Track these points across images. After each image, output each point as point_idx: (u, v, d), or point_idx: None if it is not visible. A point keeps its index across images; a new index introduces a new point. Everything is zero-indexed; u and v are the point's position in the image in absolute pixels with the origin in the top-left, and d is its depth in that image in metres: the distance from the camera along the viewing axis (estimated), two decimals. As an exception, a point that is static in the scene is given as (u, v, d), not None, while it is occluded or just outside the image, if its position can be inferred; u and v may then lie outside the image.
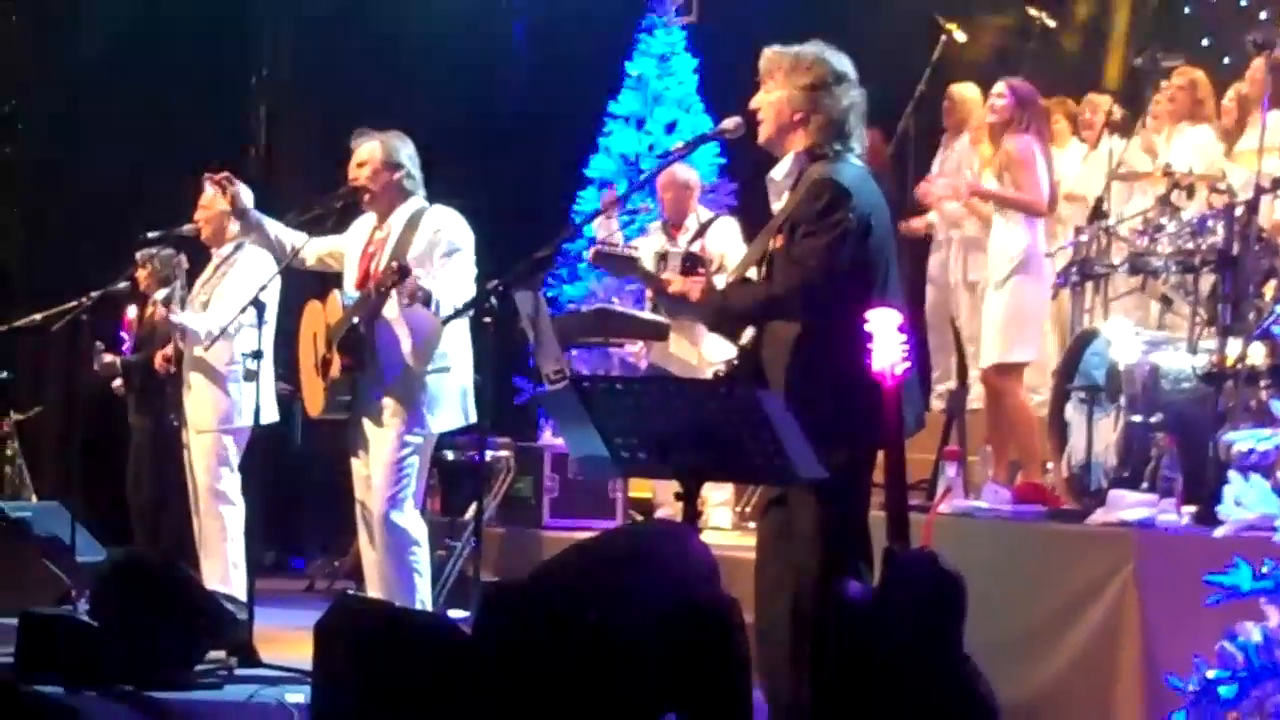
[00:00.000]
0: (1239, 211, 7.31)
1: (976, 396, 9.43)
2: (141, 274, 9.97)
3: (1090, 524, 6.75)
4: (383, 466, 7.54)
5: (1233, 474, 5.78)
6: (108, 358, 10.11)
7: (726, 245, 10.01)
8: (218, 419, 8.76)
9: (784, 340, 5.45)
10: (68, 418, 12.65)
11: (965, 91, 10.64)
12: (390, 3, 13.61)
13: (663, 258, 10.16)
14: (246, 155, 13.51)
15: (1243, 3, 11.29)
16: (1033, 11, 10.93)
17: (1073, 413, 7.76)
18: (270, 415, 8.50)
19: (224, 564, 8.64)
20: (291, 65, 13.96)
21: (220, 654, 7.63)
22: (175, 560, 8.81)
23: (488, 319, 6.42)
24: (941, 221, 10.69)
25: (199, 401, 8.83)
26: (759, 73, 5.70)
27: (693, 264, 9.87)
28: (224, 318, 8.48)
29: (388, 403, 7.53)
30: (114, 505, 10.53)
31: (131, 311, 10.06)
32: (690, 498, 5.19)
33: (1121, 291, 8.52)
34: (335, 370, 7.58)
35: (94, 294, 9.93)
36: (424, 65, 13.39)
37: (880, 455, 5.38)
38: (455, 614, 8.12)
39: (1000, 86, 8.70)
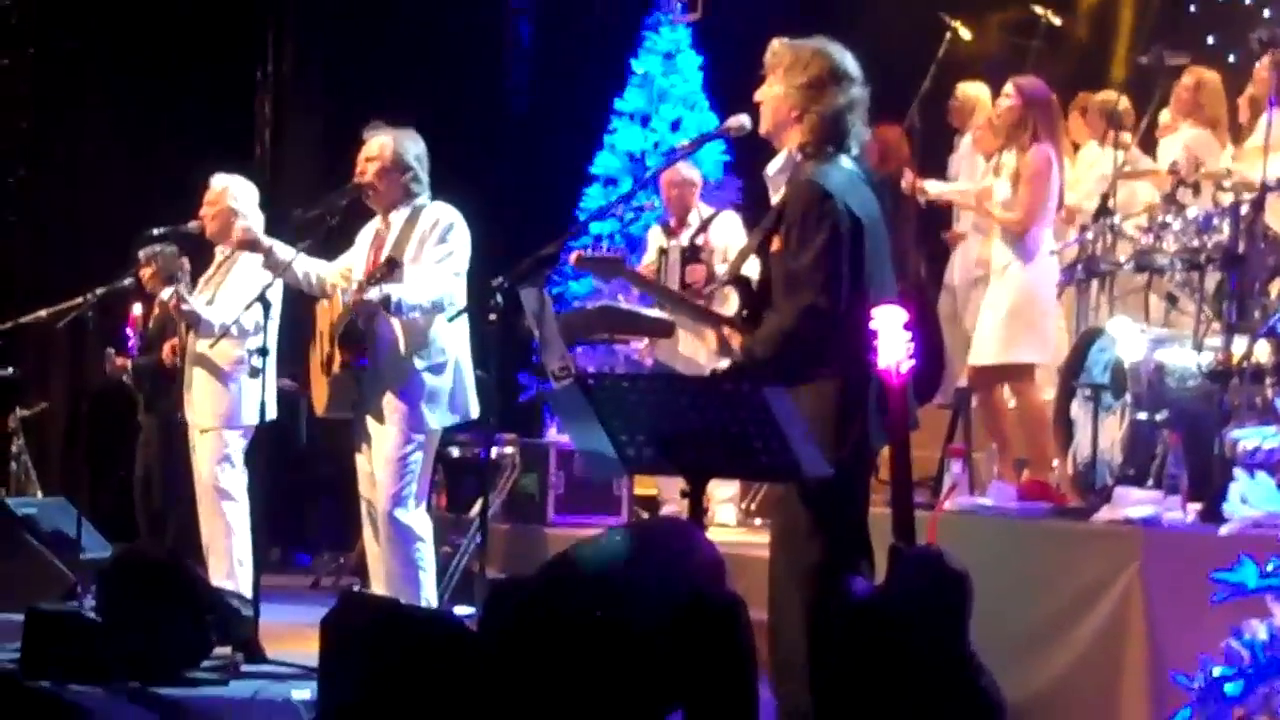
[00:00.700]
0: (1244, 209, 7.31)
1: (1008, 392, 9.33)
2: (145, 272, 9.97)
3: (1095, 521, 6.74)
4: (385, 463, 7.54)
5: (1238, 471, 5.79)
6: (119, 360, 10.10)
7: (729, 239, 10.03)
8: (220, 416, 8.76)
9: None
10: (73, 414, 12.68)
11: (972, 90, 10.63)
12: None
13: (663, 253, 10.18)
14: (251, 151, 13.52)
15: (1247, 1, 11.27)
16: (1038, 9, 10.90)
17: (1078, 410, 7.75)
18: (271, 413, 8.50)
19: (229, 561, 8.64)
20: (296, 61, 13.96)
21: (225, 650, 7.63)
22: (181, 557, 8.82)
23: (493, 316, 6.43)
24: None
25: (201, 398, 8.82)
26: (764, 64, 5.70)
27: (693, 254, 9.93)
28: (232, 313, 8.48)
29: (389, 399, 7.53)
30: (119, 501, 10.54)
31: (137, 309, 10.06)
32: (696, 495, 5.19)
33: (1127, 289, 8.51)
34: (337, 367, 7.59)
35: (99, 291, 9.94)
36: (429, 62, 13.39)
37: (882, 453, 5.40)
38: (460, 610, 8.12)
39: (1009, 87, 8.68)
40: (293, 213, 8.04)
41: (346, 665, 5.88)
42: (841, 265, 5.33)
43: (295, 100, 13.95)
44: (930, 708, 4.72)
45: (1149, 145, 9.64)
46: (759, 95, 5.69)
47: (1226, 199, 7.61)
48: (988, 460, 8.42)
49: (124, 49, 13.29)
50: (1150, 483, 6.90)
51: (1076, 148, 10.14)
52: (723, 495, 10.14)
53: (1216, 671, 4.94)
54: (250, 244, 7.94)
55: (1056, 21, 10.86)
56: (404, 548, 7.53)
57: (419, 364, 7.55)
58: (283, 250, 7.82)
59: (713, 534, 5.29)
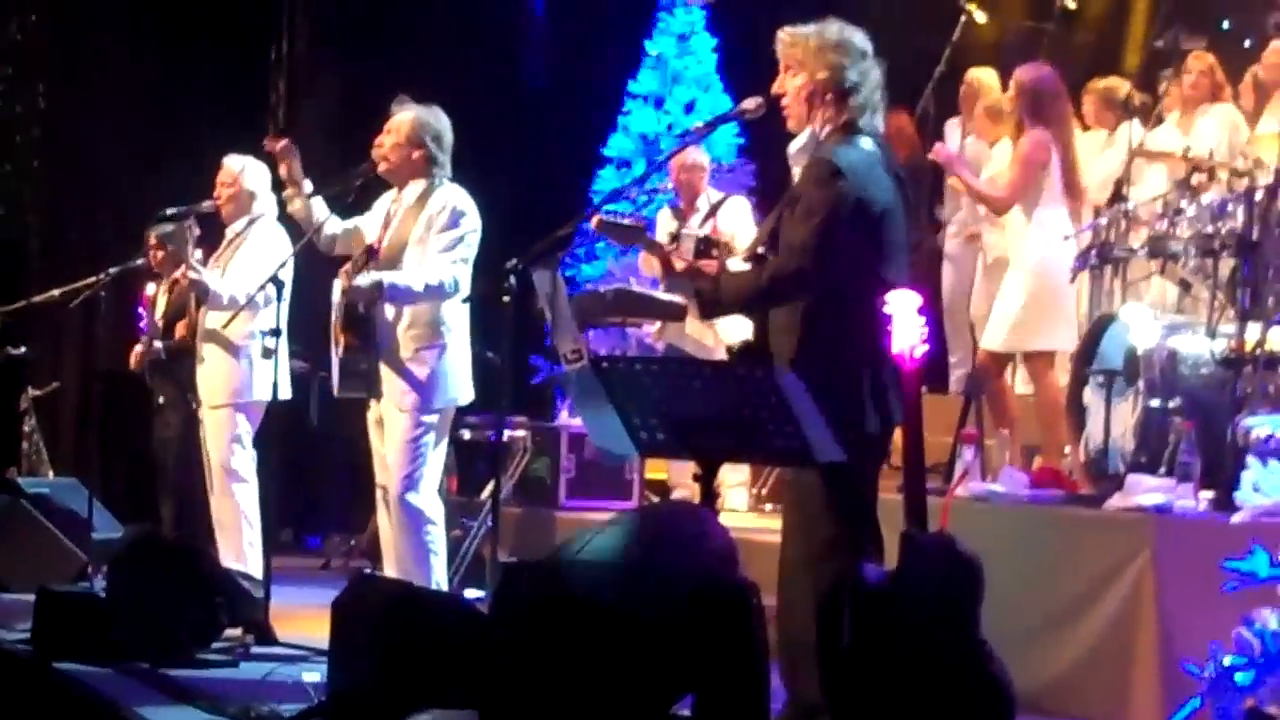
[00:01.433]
0: (1259, 196, 7.29)
1: (1024, 379, 9.32)
2: (155, 256, 9.95)
3: (1108, 509, 6.74)
4: (396, 446, 7.54)
5: (1251, 459, 5.80)
6: (138, 350, 10.00)
7: (737, 226, 10.01)
8: (230, 393, 8.74)
9: (790, 322, 5.45)
10: (85, 394, 12.68)
11: (983, 76, 10.61)
12: (409, -21, 13.62)
13: (674, 238, 10.18)
14: (265, 131, 13.51)
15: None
16: (1054, -8, 10.88)
17: (1091, 397, 7.75)
18: (285, 393, 8.49)
19: (239, 541, 8.64)
20: (310, 41, 13.95)
21: (236, 632, 7.63)
22: (192, 538, 8.83)
23: (505, 298, 6.42)
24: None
25: (211, 375, 8.81)
26: (778, 56, 5.68)
27: (708, 247, 9.91)
28: (242, 288, 8.47)
29: (397, 383, 7.53)
30: (131, 482, 10.54)
31: (150, 289, 10.04)
32: (708, 479, 5.19)
33: (1140, 276, 8.49)
34: (342, 349, 7.61)
35: (112, 271, 9.92)
36: (442, 43, 13.37)
37: (894, 438, 5.40)
38: (471, 594, 8.12)
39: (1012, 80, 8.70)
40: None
41: (357, 648, 5.89)
42: (834, 243, 5.32)
43: (309, 80, 13.92)
44: (941, 694, 4.71)
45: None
46: (779, 88, 5.67)
47: (1241, 185, 7.59)
48: (999, 446, 8.40)
49: (138, 28, 13.27)
50: (1163, 470, 6.89)
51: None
52: (733, 480, 10.14)
53: (1227, 660, 4.95)
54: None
55: (1072, 5, 10.84)
56: (415, 531, 7.53)
57: (424, 347, 7.54)
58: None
59: (723, 519, 5.28)
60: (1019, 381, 9.25)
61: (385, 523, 7.71)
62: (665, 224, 10.43)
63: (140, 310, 9.90)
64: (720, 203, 10.30)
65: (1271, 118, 9.09)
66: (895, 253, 5.50)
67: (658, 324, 10.32)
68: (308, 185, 7.89)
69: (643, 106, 13.65)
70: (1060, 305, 8.43)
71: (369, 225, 7.81)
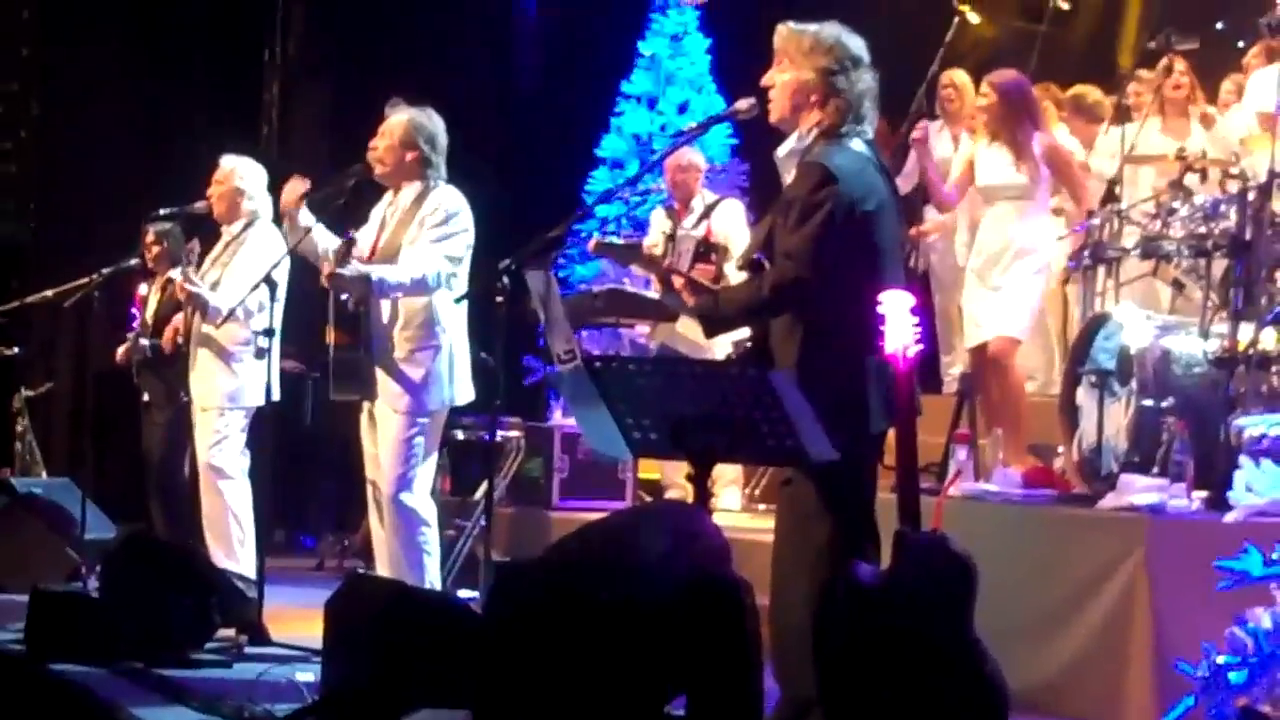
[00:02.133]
0: (1251, 196, 7.30)
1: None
2: (151, 252, 9.95)
3: (1101, 509, 6.75)
4: (389, 447, 7.54)
5: (1244, 459, 5.81)
6: (124, 347, 9.99)
7: (731, 229, 10.02)
8: (222, 396, 8.75)
9: (789, 325, 5.45)
10: (79, 394, 12.66)
11: (965, 78, 10.62)
12: (402, -19, 13.61)
13: (670, 239, 10.18)
14: (258, 132, 13.50)
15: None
16: (1047, -7, 10.88)
17: (1084, 397, 7.75)
18: (276, 394, 8.48)
19: (228, 541, 8.63)
20: (304, 42, 13.95)
21: (230, 632, 7.64)
22: (185, 539, 8.83)
23: (499, 299, 6.42)
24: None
25: (206, 378, 8.82)
26: (773, 48, 5.68)
27: (707, 251, 9.91)
28: (236, 297, 8.48)
29: (389, 383, 7.52)
30: (124, 482, 10.53)
31: (143, 289, 10.04)
32: (701, 479, 5.19)
33: (1133, 276, 8.50)
34: (335, 350, 7.61)
35: (105, 271, 9.92)
36: (436, 45, 13.36)
37: (887, 438, 5.40)
38: (465, 594, 8.13)
39: (984, 86, 8.70)
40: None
41: (351, 648, 5.89)
42: (830, 249, 5.32)
43: (303, 81, 13.93)
44: (934, 693, 4.72)
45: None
46: (768, 80, 5.66)
47: (1234, 186, 7.60)
48: (993, 446, 8.41)
49: (132, 29, 13.27)
50: (1156, 470, 6.91)
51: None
52: (726, 479, 10.14)
53: (1220, 660, 4.95)
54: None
55: (1065, 5, 10.85)
56: (408, 531, 7.53)
57: (418, 347, 7.53)
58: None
59: (717, 518, 5.28)
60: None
61: (377, 523, 7.71)
62: (659, 224, 10.44)
63: (134, 310, 9.91)
64: (714, 204, 10.31)
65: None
66: (889, 253, 5.50)
67: (651, 324, 10.32)
68: (307, 217, 7.83)
69: (636, 107, 13.66)
70: (1024, 299, 8.49)
71: (366, 237, 7.81)
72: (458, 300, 7.43)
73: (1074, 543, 6.64)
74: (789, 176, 5.62)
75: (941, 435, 8.44)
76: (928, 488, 6.86)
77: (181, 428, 9.24)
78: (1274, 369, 6.94)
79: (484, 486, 8.71)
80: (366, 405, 7.63)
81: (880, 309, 4.97)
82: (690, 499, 5.28)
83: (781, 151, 5.66)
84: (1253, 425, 6.20)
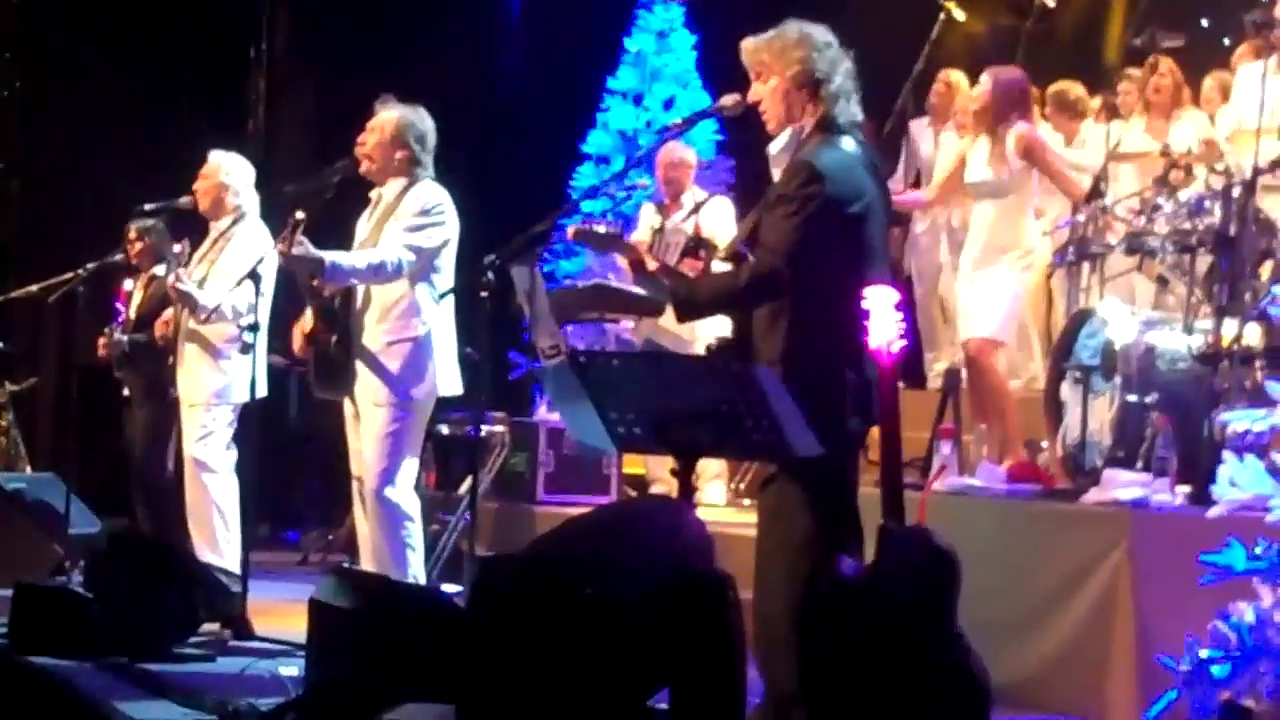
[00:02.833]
0: (1236, 192, 7.31)
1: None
2: (135, 248, 9.92)
3: (1084, 503, 6.76)
4: (371, 440, 7.53)
5: (1227, 454, 5.79)
6: (103, 341, 9.95)
7: (719, 226, 10.00)
8: (209, 392, 8.75)
9: (772, 321, 5.46)
10: (63, 389, 12.64)
11: (960, 77, 10.62)
12: (388, -24, 13.62)
13: (659, 233, 10.17)
14: (244, 127, 13.49)
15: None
16: (1032, -10, 10.88)
17: (1068, 392, 7.76)
18: (261, 389, 8.48)
19: (211, 533, 8.62)
20: (290, 38, 13.93)
21: (214, 627, 7.64)
22: (170, 534, 8.82)
23: (484, 294, 6.42)
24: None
25: (193, 374, 8.81)
26: (746, 68, 5.70)
27: (696, 246, 9.89)
28: (223, 295, 8.47)
29: (372, 378, 7.51)
30: (109, 477, 10.52)
31: (128, 284, 10.02)
32: (686, 474, 5.19)
33: (1117, 272, 8.51)
34: (317, 347, 7.60)
35: (90, 266, 9.90)
36: (421, 41, 13.36)
37: (871, 432, 5.41)
38: (449, 588, 8.13)
39: (983, 77, 8.72)
40: (285, 188, 8.03)
41: (335, 642, 5.88)
42: (811, 246, 5.33)
43: (289, 77, 13.92)
44: (917, 687, 4.72)
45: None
46: (754, 96, 5.68)
47: (1218, 182, 7.61)
48: (977, 441, 8.42)
49: (118, 24, 13.25)
50: (1139, 465, 6.92)
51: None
52: (711, 473, 10.15)
53: (1203, 654, 4.95)
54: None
55: (1050, 2, 10.85)
56: (392, 526, 7.52)
57: (397, 340, 7.52)
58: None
59: (701, 513, 5.29)
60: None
61: (361, 517, 7.70)
62: (648, 219, 10.43)
63: (118, 305, 9.89)
64: (704, 202, 10.30)
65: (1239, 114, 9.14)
66: (875, 251, 5.52)
67: (636, 319, 10.32)
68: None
69: (622, 103, 13.67)
70: (1008, 300, 8.50)
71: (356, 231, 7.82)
72: (442, 295, 7.42)
73: (1058, 537, 6.65)
74: (779, 173, 5.64)
75: (926, 430, 8.45)
76: (911, 483, 6.88)
77: (163, 422, 9.23)
78: (1258, 364, 6.94)
79: (469, 481, 8.74)
80: (356, 397, 7.62)
81: (864, 304, 4.98)
82: (675, 494, 5.28)
83: (774, 148, 5.67)
84: (1236, 420, 6.18)
